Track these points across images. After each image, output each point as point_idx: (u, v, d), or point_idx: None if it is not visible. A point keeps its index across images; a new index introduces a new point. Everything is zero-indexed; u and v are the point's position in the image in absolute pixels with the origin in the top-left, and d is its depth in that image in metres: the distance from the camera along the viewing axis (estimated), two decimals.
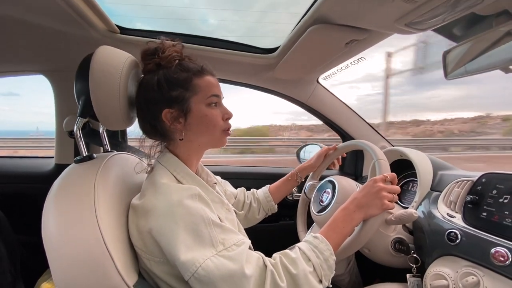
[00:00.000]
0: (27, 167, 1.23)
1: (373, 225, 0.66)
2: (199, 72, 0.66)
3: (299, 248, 0.60)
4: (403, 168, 1.06)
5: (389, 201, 0.66)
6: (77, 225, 0.53)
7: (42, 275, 0.93)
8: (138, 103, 0.66)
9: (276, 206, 1.00)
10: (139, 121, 0.69)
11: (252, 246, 0.68)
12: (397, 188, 0.68)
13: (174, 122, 0.64)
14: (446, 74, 0.73)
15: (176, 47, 0.67)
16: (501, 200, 0.67)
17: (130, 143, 1.22)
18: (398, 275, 0.84)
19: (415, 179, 0.98)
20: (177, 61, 0.65)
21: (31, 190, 1.15)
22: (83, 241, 0.52)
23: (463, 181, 0.80)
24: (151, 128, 0.67)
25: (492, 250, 0.61)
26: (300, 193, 1.11)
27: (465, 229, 0.69)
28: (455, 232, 0.70)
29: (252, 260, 0.54)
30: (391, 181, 0.69)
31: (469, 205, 0.72)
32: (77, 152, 1.15)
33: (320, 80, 1.28)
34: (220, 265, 0.51)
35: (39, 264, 0.52)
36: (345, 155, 1.10)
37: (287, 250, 0.60)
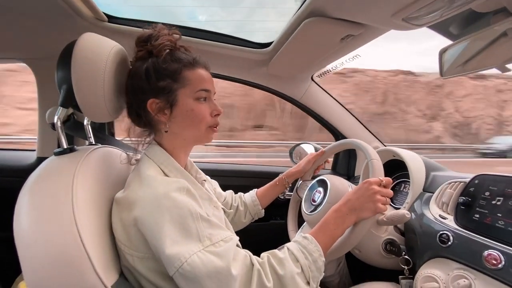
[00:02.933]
0: (7, 160, 1.18)
1: (364, 227, 0.65)
2: (190, 64, 0.64)
3: (287, 248, 0.58)
4: (395, 169, 1.05)
5: (382, 204, 0.64)
6: (51, 221, 0.50)
7: (20, 274, 0.89)
8: (127, 90, 0.65)
9: (263, 211, 0.98)
10: (127, 108, 0.68)
11: (240, 244, 0.66)
12: (390, 192, 0.68)
13: (158, 113, 0.63)
14: (442, 73, 0.72)
15: (171, 36, 0.65)
16: (493, 202, 0.66)
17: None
18: (388, 276, 0.83)
19: (407, 179, 0.97)
20: (167, 50, 0.63)
21: (9, 184, 1.09)
22: (58, 238, 0.49)
23: (455, 182, 0.79)
24: (137, 117, 0.66)
25: (485, 253, 0.59)
26: (292, 192, 1.08)
27: (457, 231, 0.68)
28: (447, 234, 0.68)
29: (239, 258, 0.52)
30: (386, 185, 0.68)
31: (461, 207, 0.71)
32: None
33: (314, 78, 1.26)
34: (207, 261, 0.49)
35: (17, 262, 0.49)
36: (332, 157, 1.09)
37: (275, 250, 0.58)
